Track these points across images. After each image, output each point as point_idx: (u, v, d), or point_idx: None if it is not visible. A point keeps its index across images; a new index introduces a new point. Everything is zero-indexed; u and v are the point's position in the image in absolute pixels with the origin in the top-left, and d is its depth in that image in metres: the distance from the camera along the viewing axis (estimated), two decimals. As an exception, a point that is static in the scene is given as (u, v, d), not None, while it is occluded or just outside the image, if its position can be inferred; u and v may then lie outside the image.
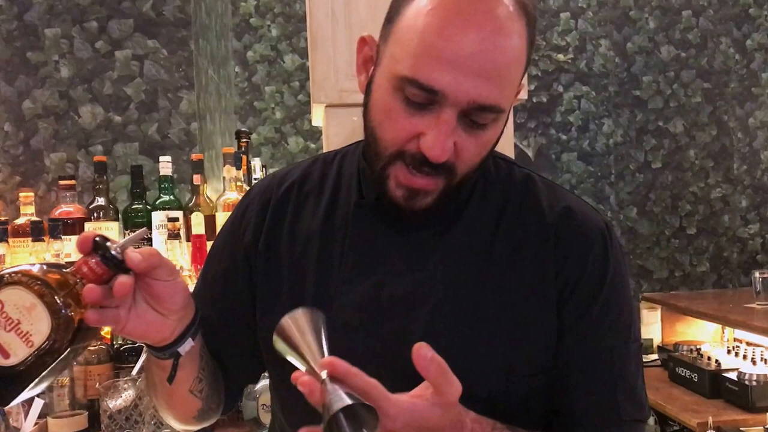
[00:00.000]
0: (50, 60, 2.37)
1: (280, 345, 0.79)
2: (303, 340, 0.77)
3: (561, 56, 4.01)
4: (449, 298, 0.92)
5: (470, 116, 0.84)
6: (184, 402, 1.00)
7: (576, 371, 0.93)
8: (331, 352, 0.75)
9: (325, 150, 2.03)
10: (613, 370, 0.94)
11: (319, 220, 1.00)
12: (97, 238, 0.78)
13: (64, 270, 0.78)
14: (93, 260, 0.77)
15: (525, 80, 0.96)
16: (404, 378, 0.81)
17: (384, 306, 0.93)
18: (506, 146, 1.97)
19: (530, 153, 3.95)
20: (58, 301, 0.75)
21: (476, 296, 0.93)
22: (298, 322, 0.79)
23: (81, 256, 0.78)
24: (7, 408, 1.65)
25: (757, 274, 3.15)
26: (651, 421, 2.90)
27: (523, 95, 1.93)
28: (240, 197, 2.16)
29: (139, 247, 0.81)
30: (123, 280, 0.78)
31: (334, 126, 1.84)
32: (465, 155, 0.86)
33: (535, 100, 3.92)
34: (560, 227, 0.95)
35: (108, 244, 0.78)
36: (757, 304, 3.07)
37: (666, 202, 4.10)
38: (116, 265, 0.78)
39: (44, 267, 0.77)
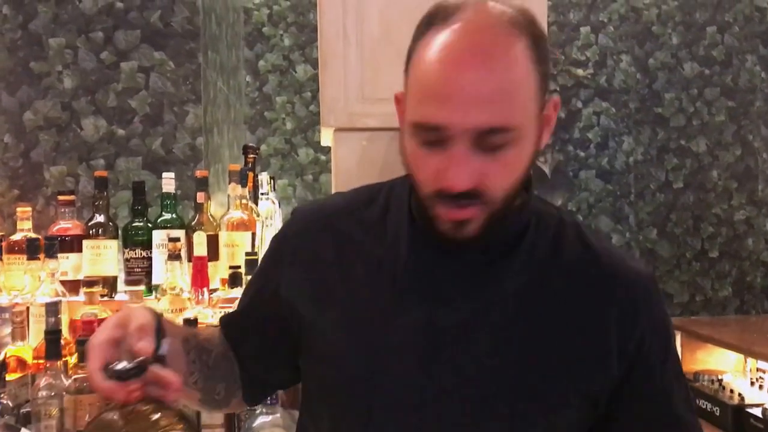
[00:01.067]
0: (53, 70, 2.31)
1: None
2: None
3: (580, 71, 3.92)
4: (504, 331, 0.95)
5: (484, 141, 0.87)
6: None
7: (647, 424, 0.98)
8: (381, 375, 0.92)
9: (334, 171, 1.95)
10: (678, 416, 0.99)
11: (371, 247, 1.03)
12: (112, 372, 0.83)
13: (130, 409, 0.84)
14: (133, 386, 0.82)
15: (555, 96, 0.97)
16: (461, 413, 0.91)
17: (439, 333, 0.96)
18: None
19: (547, 170, 3.86)
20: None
21: (529, 335, 0.95)
22: None
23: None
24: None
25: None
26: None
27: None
28: (243, 216, 2.13)
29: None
30: (172, 379, 0.86)
31: (344, 150, 1.75)
32: (493, 179, 0.89)
33: (553, 116, 3.81)
34: (617, 278, 0.98)
35: (119, 367, 0.83)
36: (782, 334, 2.96)
37: (687, 224, 3.99)
38: (141, 369, 0.83)
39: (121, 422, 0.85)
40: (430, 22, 0.91)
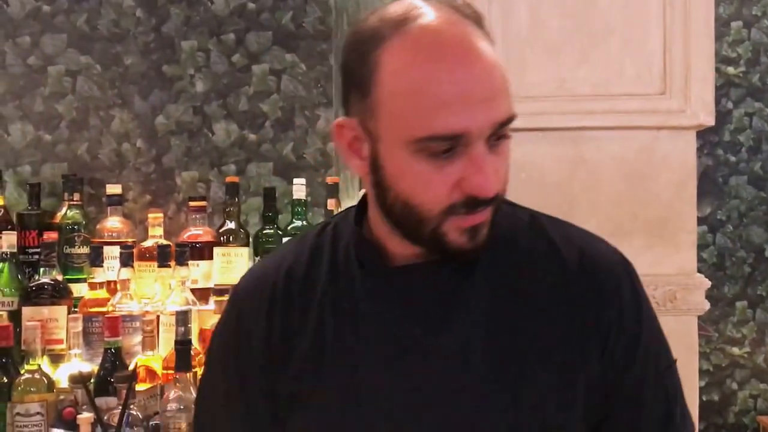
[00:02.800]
0: (186, 74, 2.32)
1: None
2: None
3: (731, 69, 3.70)
4: (483, 364, 0.91)
5: (495, 136, 0.85)
6: None
7: (636, 411, 0.94)
8: None
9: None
10: (668, 398, 0.96)
11: (328, 300, 0.96)
12: None
13: None
14: None
15: None
16: None
17: (417, 391, 0.90)
18: (688, 169, 1.71)
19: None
20: None
21: (512, 356, 0.91)
22: None
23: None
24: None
25: None
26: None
27: (710, 121, 1.66)
28: None
29: None
30: None
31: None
32: (502, 175, 0.88)
33: (700, 117, 3.61)
34: (583, 268, 0.95)
35: None
36: None
37: None
38: None
39: None
40: (387, 31, 0.85)
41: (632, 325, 0.95)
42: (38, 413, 1.68)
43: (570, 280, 0.94)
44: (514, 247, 0.96)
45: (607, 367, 0.93)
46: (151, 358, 1.81)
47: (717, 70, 3.65)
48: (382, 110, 0.86)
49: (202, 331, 1.90)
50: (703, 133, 3.60)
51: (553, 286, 0.94)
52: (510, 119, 0.85)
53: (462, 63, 0.83)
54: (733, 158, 3.71)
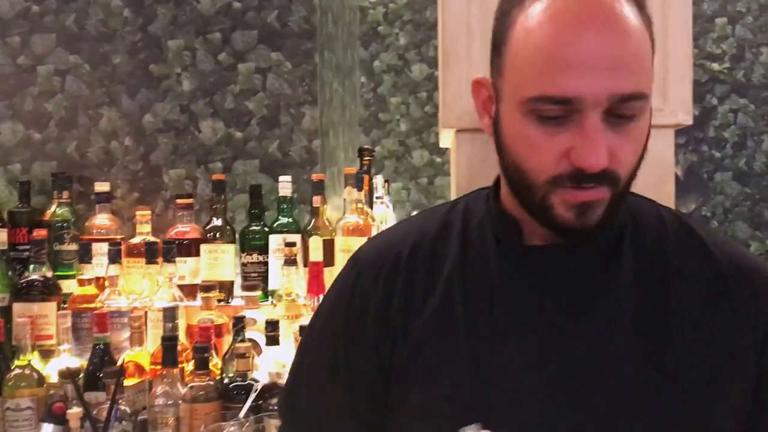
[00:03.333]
0: (172, 73, 2.33)
1: None
2: None
3: (716, 65, 3.74)
4: (628, 352, 0.86)
5: (615, 112, 0.80)
6: None
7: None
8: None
9: (454, 175, 1.84)
10: None
11: (456, 275, 0.92)
12: None
13: None
14: None
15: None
16: None
17: (555, 366, 0.86)
18: (666, 166, 1.73)
19: (679, 172, 3.67)
20: None
21: (660, 347, 0.86)
22: None
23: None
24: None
25: None
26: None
27: (688, 120, 1.69)
28: (359, 220, 2.06)
29: None
30: None
31: (466, 152, 1.64)
32: (623, 156, 0.82)
33: (685, 114, 3.62)
34: (737, 271, 0.90)
35: None
36: None
37: (837, 231, 3.69)
38: None
39: None
40: None
41: None
42: (29, 408, 1.70)
43: (722, 281, 0.89)
44: (662, 239, 0.92)
45: (758, 378, 0.88)
46: (139, 354, 1.82)
47: (701, 66, 3.68)
48: (508, 67, 0.84)
49: (189, 327, 1.92)
50: (687, 130, 3.63)
51: (705, 285, 0.89)
52: (636, 95, 0.80)
53: (592, 27, 0.79)
54: (717, 154, 3.73)
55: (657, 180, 1.79)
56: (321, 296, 1.85)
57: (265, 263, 2.05)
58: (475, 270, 0.91)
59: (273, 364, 1.73)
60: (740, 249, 0.95)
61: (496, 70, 0.87)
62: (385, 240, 1.02)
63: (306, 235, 2.06)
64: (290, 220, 2.08)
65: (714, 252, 0.91)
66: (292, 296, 1.93)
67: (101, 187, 2.16)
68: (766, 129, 3.75)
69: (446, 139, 1.83)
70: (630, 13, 0.81)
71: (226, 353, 1.78)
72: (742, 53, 3.74)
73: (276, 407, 1.38)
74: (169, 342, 1.68)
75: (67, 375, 1.68)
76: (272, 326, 1.77)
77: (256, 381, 1.67)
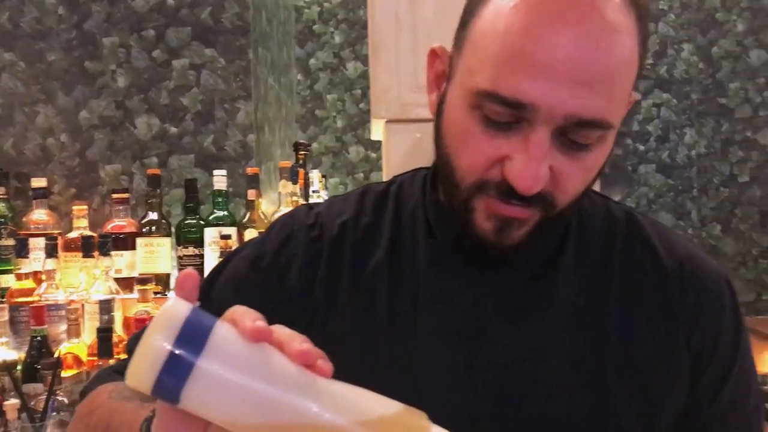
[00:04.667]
0: (107, 69, 2.33)
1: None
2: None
3: None
4: (562, 361, 0.79)
5: (569, 134, 0.69)
6: None
7: None
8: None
9: (385, 166, 1.91)
10: None
11: (383, 266, 0.84)
12: None
13: None
14: None
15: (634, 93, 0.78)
16: None
17: (482, 372, 0.79)
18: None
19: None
20: None
21: (595, 358, 0.79)
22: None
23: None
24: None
25: None
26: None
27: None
28: None
29: None
30: None
31: (396, 143, 1.71)
32: (566, 183, 0.72)
33: (611, 109, 3.73)
34: (684, 278, 0.82)
35: None
36: None
37: (753, 219, 3.84)
38: None
39: None
40: None
41: (727, 353, 0.82)
42: (-33, 400, 1.71)
43: (668, 289, 0.82)
44: (608, 244, 0.84)
45: (693, 392, 0.81)
46: (76, 346, 1.85)
47: (626, 63, 3.81)
48: (468, 45, 0.73)
49: (126, 319, 1.94)
50: (613, 123, 3.76)
51: (648, 294, 0.81)
52: (598, 123, 0.68)
53: (573, 27, 0.66)
54: (642, 147, 3.80)
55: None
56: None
57: (201, 256, 2.08)
58: (403, 263, 0.84)
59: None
60: (689, 248, 0.87)
61: (456, 45, 0.76)
62: (317, 214, 0.90)
63: (242, 228, 2.10)
64: (226, 213, 2.10)
65: (659, 250, 0.83)
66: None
67: (38, 182, 2.16)
68: (688, 123, 3.84)
69: (377, 130, 1.90)
70: (625, 27, 0.69)
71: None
72: (665, 50, 3.83)
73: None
74: (104, 333, 1.70)
75: (5, 367, 1.69)
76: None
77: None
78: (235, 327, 0.53)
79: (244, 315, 0.54)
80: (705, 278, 0.84)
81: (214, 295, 0.87)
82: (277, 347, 0.53)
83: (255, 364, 0.52)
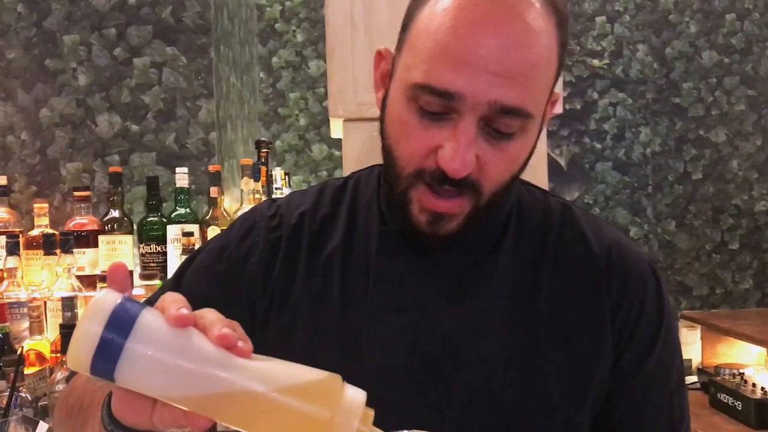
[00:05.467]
0: (68, 67, 2.32)
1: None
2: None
3: (596, 62, 3.87)
4: (498, 338, 0.86)
5: (493, 124, 0.77)
6: None
7: (637, 419, 0.90)
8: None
9: (344, 163, 1.94)
10: (673, 416, 0.91)
11: (338, 252, 0.91)
12: None
13: None
14: None
15: (560, 90, 0.88)
16: (458, 424, 0.80)
17: (423, 346, 0.86)
18: (539, 155, 1.87)
19: (563, 162, 3.83)
20: None
21: (527, 336, 0.87)
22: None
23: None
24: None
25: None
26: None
27: (558, 109, 1.83)
28: None
29: None
30: None
31: (353, 141, 1.75)
32: (490, 170, 0.80)
33: (568, 107, 3.79)
34: (611, 262, 0.90)
35: None
36: (804, 325, 2.92)
37: (707, 215, 3.94)
38: None
39: None
40: None
41: (649, 332, 0.89)
42: (-73, 399, 1.70)
43: (596, 272, 0.89)
44: (544, 231, 0.91)
45: (615, 368, 0.88)
46: (39, 343, 1.85)
47: (583, 62, 3.87)
48: (407, 45, 0.82)
49: (89, 316, 1.95)
50: (570, 123, 3.83)
51: (578, 276, 0.89)
52: (518, 111, 0.76)
53: (494, 27, 0.75)
54: (598, 146, 3.86)
55: (530, 168, 1.94)
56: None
57: (164, 253, 2.09)
58: (357, 250, 0.91)
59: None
60: (617, 235, 0.94)
61: (398, 46, 0.84)
62: (278, 205, 0.98)
63: (204, 225, 2.11)
64: (188, 210, 2.11)
65: (589, 237, 0.91)
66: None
67: (-2, 180, 2.16)
68: (644, 121, 3.91)
69: (336, 129, 1.93)
70: (543, 28, 0.77)
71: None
72: (621, 50, 3.89)
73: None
74: (67, 330, 1.71)
75: (-34, 364, 1.69)
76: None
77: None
78: (162, 314, 0.60)
79: (171, 303, 0.61)
80: (630, 263, 0.91)
81: (184, 285, 0.94)
82: (201, 331, 0.60)
83: (177, 345, 0.59)
